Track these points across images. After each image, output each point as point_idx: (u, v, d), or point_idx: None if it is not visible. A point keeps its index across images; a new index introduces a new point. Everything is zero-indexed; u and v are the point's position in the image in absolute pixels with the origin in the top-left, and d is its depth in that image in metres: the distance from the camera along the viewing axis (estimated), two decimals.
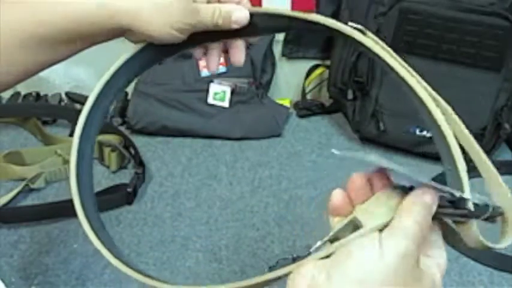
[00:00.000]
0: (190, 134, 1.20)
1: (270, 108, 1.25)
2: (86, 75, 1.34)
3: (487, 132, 1.07)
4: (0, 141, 1.18)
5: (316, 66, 1.32)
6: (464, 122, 0.41)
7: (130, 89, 1.25)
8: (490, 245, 0.37)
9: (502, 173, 0.43)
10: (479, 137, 1.07)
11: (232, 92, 1.22)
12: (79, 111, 0.46)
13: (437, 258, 0.37)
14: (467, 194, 0.37)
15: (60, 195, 1.01)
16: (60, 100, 1.31)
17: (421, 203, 0.36)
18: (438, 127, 0.39)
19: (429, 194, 0.36)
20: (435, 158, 1.13)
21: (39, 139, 1.19)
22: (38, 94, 1.33)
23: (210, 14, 0.46)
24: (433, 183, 0.35)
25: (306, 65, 1.32)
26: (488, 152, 1.11)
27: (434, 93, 0.40)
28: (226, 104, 1.22)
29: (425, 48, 1.05)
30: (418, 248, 0.34)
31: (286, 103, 1.31)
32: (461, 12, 1.01)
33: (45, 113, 1.24)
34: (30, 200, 1.00)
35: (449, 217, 0.38)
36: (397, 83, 0.41)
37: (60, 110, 1.25)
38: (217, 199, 1.02)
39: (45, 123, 1.22)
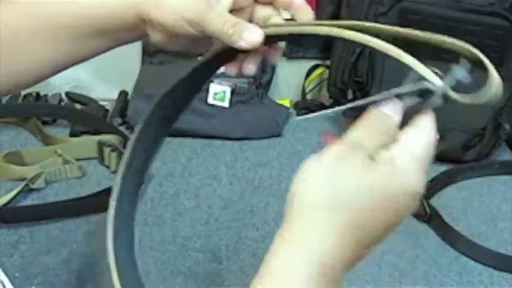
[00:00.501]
0: (190, 134, 1.20)
1: (270, 108, 1.25)
2: (86, 75, 1.34)
3: (487, 132, 1.07)
4: (0, 141, 1.18)
5: (316, 66, 1.32)
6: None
7: (130, 89, 1.25)
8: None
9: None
10: (479, 137, 1.07)
11: (232, 92, 1.22)
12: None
13: (400, 143, 0.36)
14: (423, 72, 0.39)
15: (60, 195, 1.01)
16: (60, 100, 1.31)
17: (370, 114, 0.37)
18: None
19: (381, 106, 0.37)
20: (435, 158, 1.13)
21: (39, 139, 1.19)
22: (38, 94, 1.32)
23: (222, 21, 0.45)
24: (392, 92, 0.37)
25: (306, 65, 1.32)
26: (488, 152, 1.11)
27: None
28: (226, 104, 1.22)
29: (425, 48, 1.05)
30: (355, 149, 0.35)
31: (286, 103, 1.31)
32: (461, 12, 1.01)
33: (45, 113, 1.24)
34: (30, 200, 1.00)
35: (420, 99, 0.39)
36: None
37: (60, 110, 1.25)
38: (217, 199, 1.02)
39: (45, 123, 1.22)
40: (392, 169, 0.34)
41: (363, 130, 0.37)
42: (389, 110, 0.37)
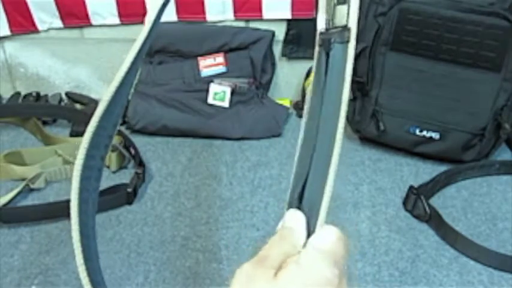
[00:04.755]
0: (190, 134, 1.20)
1: (270, 108, 1.25)
2: (86, 75, 1.34)
3: (487, 132, 1.07)
4: (0, 141, 1.18)
5: None
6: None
7: None
8: None
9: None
10: (479, 137, 1.07)
11: (232, 92, 1.22)
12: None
13: (307, 246, 0.37)
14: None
15: (60, 195, 1.01)
16: (60, 100, 1.31)
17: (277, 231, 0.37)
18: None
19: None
20: (435, 158, 1.14)
21: (39, 139, 1.19)
22: (38, 94, 1.33)
23: None
24: None
25: (306, 65, 1.32)
26: (488, 152, 1.11)
27: None
28: (226, 104, 1.22)
29: (425, 48, 1.05)
30: (260, 263, 0.35)
31: (286, 103, 1.31)
32: (461, 12, 1.01)
33: (45, 113, 1.24)
34: (30, 200, 1.00)
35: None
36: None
37: (60, 110, 1.25)
38: (217, 199, 1.02)
39: (45, 123, 1.22)
40: (296, 268, 0.34)
41: (270, 244, 0.37)
42: (292, 223, 0.37)
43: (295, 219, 0.37)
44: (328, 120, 0.38)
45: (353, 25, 0.37)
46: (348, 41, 0.37)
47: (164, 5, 0.36)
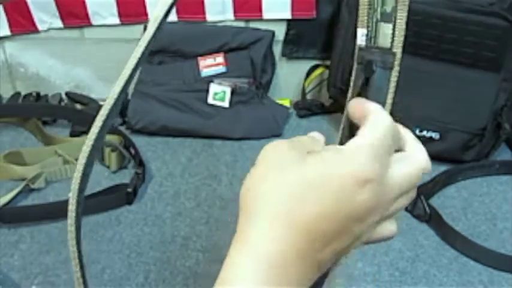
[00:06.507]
0: (190, 134, 1.20)
1: (270, 108, 1.25)
2: (86, 75, 1.34)
3: (487, 132, 1.07)
4: (0, 141, 1.18)
5: (316, 66, 1.32)
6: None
7: (130, 89, 1.25)
8: None
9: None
10: (479, 137, 1.07)
11: (232, 92, 1.22)
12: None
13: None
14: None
15: (60, 195, 1.01)
16: (60, 100, 1.31)
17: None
18: None
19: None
20: (435, 158, 1.13)
21: (39, 139, 1.19)
22: (38, 94, 1.33)
23: None
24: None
25: (306, 65, 1.32)
26: (488, 152, 1.11)
27: None
28: (226, 104, 1.22)
29: (425, 48, 1.05)
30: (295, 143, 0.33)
31: (286, 103, 1.31)
32: (461, 12, 1.01)
33: (45, 113, 1.24)
34: (30, 200, 1.00)
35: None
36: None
37: (60, 110, 1.25)
38: (217, 199, 1.02)
39: (45, 123, 1.22)
40: (334, 154, 0.31)
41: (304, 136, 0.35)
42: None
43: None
44: None
45: (398, 50, 0.34)
46: (391, 68, 0.34)
47: (172, 5, 0.34)
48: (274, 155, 0.33)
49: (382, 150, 0.32)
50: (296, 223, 0.30)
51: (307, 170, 0.31)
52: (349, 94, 0.37)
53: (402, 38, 0.33)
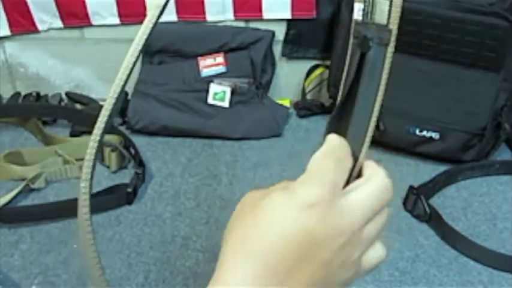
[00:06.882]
0: (190, 134, 1.20)
1: (270, 108, 1.25)
2: (85, 75, 1.34)
3: (487, 132, 1.07)
4: (0, 141, 1.18)
5: (316, 66, 1.32)
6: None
7: (130, 89, 1.25)
8: None
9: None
10: (479, 137, 1.07)
11: (232, 92, 1.22)
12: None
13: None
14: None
15: (60, 195, 1.01)
16: (60, 100, 1.31)
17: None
18: None
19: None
20: (435, 158, 1.14)
21: (39, 139, 1.19)
22: (38, 94, 1.33)
23: None
24: None
25: (306, 65, 1.32)
26: (488, 152, 1.11)
27: None
28: (226, 104, 1.22)
29: (425, 48, 1.05)
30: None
31: (286, 103, 1.31)
32: (461, 12, 1.01)
33: (45, 113, 1.24)
34: (30, 200, 1.00)
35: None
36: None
37: (60, 110, 1.25)
38: (217, 199, 1.02)
39: (45, 123, 1.22)
40: (281, 190, 0.34)
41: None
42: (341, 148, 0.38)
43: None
44: (357, 123, 0.37)
45: (394, 27, 0.34)
46: (387, 44, 0.35)
47: (165, 4, 0.35)
48: (244, 200, 0.37)
49: (331, 177, 0.33)
50: (253, 254, 0.32)
51: (258, 211, 0.34)
52: (345, 72, 0.37)
53: (399, 15, 0.34)
